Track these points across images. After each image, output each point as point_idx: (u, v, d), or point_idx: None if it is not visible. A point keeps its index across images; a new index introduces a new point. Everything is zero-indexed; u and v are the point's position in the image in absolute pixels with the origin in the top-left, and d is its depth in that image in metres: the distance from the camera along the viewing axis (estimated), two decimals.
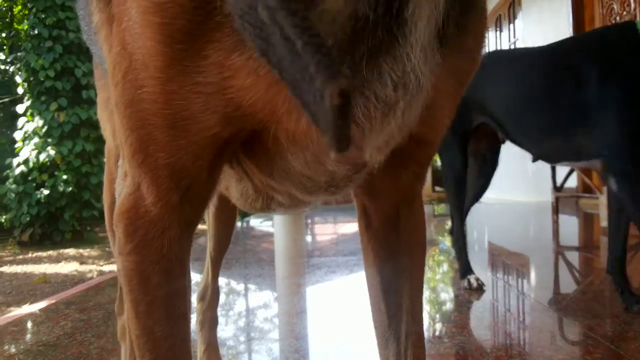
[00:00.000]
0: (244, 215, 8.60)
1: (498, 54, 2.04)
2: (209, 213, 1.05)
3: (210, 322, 1.08)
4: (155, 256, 0.47)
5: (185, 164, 0.45)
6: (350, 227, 4.73)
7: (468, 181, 1.94)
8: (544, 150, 1.76)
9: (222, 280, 2.17)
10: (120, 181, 0.50)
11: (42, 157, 7.89)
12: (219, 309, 1.67)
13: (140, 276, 0.47)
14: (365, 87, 0.40)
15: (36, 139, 8.22)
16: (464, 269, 1.80)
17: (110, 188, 0.91)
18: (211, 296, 1.08)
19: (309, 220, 5.47)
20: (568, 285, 1.94)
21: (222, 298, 1.82)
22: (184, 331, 0.50)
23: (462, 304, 1.60)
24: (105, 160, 0.93)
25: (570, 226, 4.04)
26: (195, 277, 2.33)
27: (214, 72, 0.40)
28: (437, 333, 1.29)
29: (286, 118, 0.41)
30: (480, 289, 1.71)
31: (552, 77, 1.64)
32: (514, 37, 8.25)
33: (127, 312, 0.49)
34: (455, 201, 1.93)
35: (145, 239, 0.46)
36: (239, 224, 5.88)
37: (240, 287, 2.05)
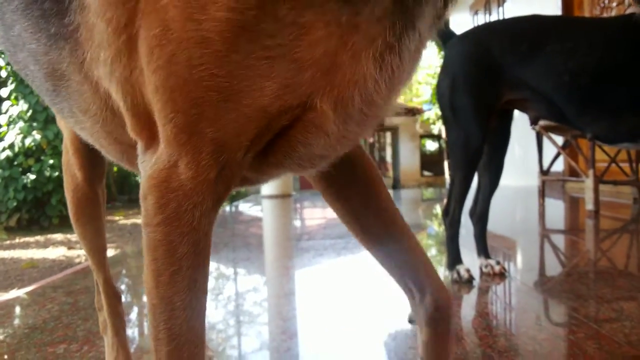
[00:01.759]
0: (233, 199, 8.59)
1: (540, 21, 1.82)
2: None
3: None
4: (185, 228, 0.48)
5: (228, 140, 0.46)
6: None
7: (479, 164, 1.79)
8: (603, 130, 1.65)
9: (210, 265, 2.17)
10: (143, 156, 0.51)
11: (28, 141, 7.81)
12: (208, 292, 1.67)
13: (168, 246, 0.48)
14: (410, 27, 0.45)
15: (21, 123, 8.13)
16: (453, 258, 1.70)
17: (68, 175, 0.90)
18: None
19: (298, 205, 5.48)
20: (553, 267, 1.96)
21: (211, 282, 1.82)
22: (202, 305, 0.52)
23: (448, 286, 1.61)
24: (63, 148, 0.91)
25: (556, 209, 4.08)
26: None
27: (286, 32, 0.42)
28: None
29: (351, 73, 0.45)
30: (470, 281, 1.63)
31: (622, 52, 1.53)
32: None
33: (146, 283, 0.50)
34: (464, 184, 1.73)
35: (177, 212, 0.47)
36: (227, 208, 5.87)
37: (229, 271, 2.05)
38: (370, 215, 0.71)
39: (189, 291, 0.50)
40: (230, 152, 0.47)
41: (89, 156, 0.87)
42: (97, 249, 0.94)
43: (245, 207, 5.62)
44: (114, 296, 0.96)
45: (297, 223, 4.02)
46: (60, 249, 5.92)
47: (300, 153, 0.52)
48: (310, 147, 0.51)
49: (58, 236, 7.21)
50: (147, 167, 0.50)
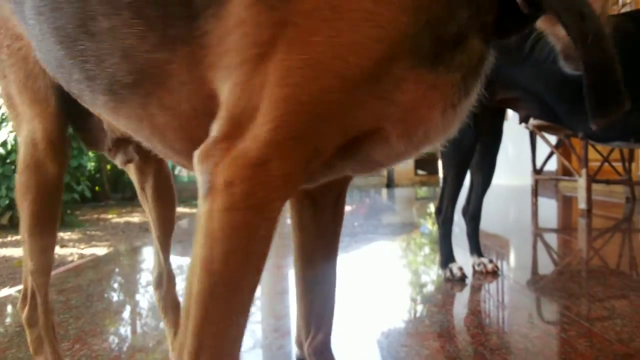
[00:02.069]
0: None
1: None
2: (147, 196, 1.03)
3: (172, 306, 1.05)
4: (267, 215, 0.56)
5: (323, 150, 0.58)
6: None
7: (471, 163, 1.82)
8: (594, 129, 1.68)
9: None
10: (215, 145, 0.57)
11: None
12: None
13: (250, 230, 0.55)
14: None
15: None
16: (446, 256, 1.71)
17: (37, 173, 0.88)
18: (168, 280, 1.05)
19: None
20: (546, 266, 1.97)
21: None
22: (257, 285, 0.58)
23: (441, 285, 1.62)
24: (25, 146, 0.87)
25: (549, 208, 4.10)
26: (177, 260, 2.33)
27: (393, 81, 0.56)
28: (416, 313, 1.31)
29: (422, 117, 0.61)
30: (462, 280, 1.64)
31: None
32: None
33: (209, 263, 0.54)
34: (456, 183, 1.76)
35: (264, 201, 0.55)
36: None
37: None
38: (317, 258, 0.87)
39: (258, 272, 0.57)
40: (319, 159, 0.59)
41: (64, 152, 0.88)
42: (48, 265, 0.94)
43: None
44: (51, 311, 0.96)
45: (289, 221, 4.01)
46: None
47: (358, 158, 0.65)
48: (369, 155, 0.64)
49: None
50: (222, 156, 0.56)
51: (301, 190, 0.84)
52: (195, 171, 0.59)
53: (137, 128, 0.75)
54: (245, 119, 0.56)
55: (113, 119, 0.78)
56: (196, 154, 0.58)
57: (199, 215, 0.57)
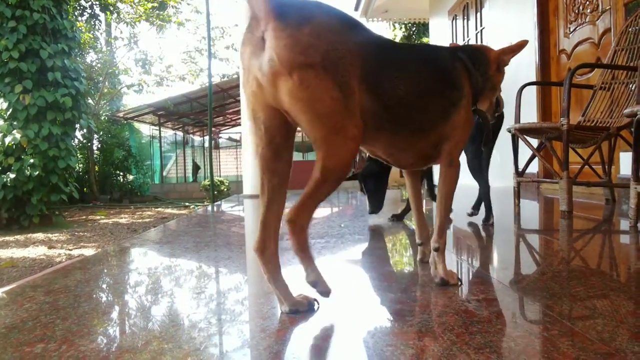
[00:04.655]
0: (215, 199, 8.51)
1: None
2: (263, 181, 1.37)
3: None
4: (458, 169, 1.59)
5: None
6: (320, 211, 4.76)
7: None
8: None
9: (192, 264, 2.17)
10: (448, 156, 1.56)
11: (8, 140, 7.67)
12: (189, 291, 1.67)
13: (456, 177, 1.58)
14: None
15: (1, 122, 7.98)
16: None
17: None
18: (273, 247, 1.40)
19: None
20: (528, 266, 2.00)
21: (192, 281, 1.82)
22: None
23: (425, 284, 1.64)
24: None
25: (531, 210, 4.15)
26: (165, 261, 2.33)
27: (462, 105, 1.55)
28: (402, 313, 1.33)
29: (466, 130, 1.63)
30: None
31: None
32: (481, 25, 8.31)
33: (450, 188, 1.58)
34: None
35: (458, 168, 1.59)
36: (209, 207, 5.85)
37: (210, 270, 2.06)
38: (417, 195, 1.84)
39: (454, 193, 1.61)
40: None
41: None
42: None
43: (227, 207, 5.60)
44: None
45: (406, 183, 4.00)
46: (41, 248, 5.85)
47: None
48: None
49: (39, 235, 7.12)
50: (450, 159, 1.56)
51: (412, 171, 1.78)
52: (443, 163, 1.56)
53: (393, 147, 1.60)
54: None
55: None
56: (445, 154, 1.55)
57: (444, 172, 1.56)
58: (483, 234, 2.73)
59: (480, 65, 1.60)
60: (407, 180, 1.79)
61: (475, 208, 3.18)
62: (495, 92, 1.71)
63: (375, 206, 3.20)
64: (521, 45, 1.68)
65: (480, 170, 2.87)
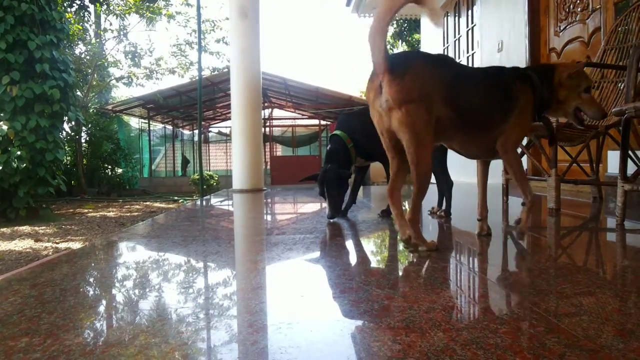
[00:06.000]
0: (204, 193, 8.47)
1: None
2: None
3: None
4: (517, 153, 2.23)
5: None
6: (309, 206, 4.75)
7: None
8: None
9: (180, 259, 2.16)
10: (505, 154, 2.16)
11: None
12: (177, 285, 1.66)
13: (517, 154, 2.21)
14: None
15: None
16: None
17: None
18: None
19: (269, 200, 5.47)
20: (515, 263, 2.01)
21: (180, 275, 1.82)
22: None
23: (413, 280, 1.64)
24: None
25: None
26: (153, 255, 2.32)
27: (522, 105, 2.14)
28: (389, 308, 1.33)
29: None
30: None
31: None
32: (472, 22, 8.32)
33: (515, 159, 2.19)
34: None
35: (518, 151, 2.19)
36: (197, 202, 5.83)
37: (199, 264, 2.05)
38: (485, 176, 2.52)
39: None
40: None
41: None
42: None
43: (216, 201, 5.59)
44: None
45: (268, 218, 4.02)
46: (27, 241, 5.80)
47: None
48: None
49: (25, 228, 7.05)
50: (504, 149, 2.14)
51: (483, 160, 2.40)
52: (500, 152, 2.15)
53: (457, 140, 2.21)
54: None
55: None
56: (499, 145, 2.13)
57: (503, 159, 2.19)
58: (470, 230, 2.74)
59: (545, 80, 2.11)
60: (478, 167, 2.46)
61: (441, 205, 3.40)
62: (572, 100, 2.16)
63: (336, 210, 3.16)
64: (575, 66, 2.12)
65: (442, 170, 3.34)
